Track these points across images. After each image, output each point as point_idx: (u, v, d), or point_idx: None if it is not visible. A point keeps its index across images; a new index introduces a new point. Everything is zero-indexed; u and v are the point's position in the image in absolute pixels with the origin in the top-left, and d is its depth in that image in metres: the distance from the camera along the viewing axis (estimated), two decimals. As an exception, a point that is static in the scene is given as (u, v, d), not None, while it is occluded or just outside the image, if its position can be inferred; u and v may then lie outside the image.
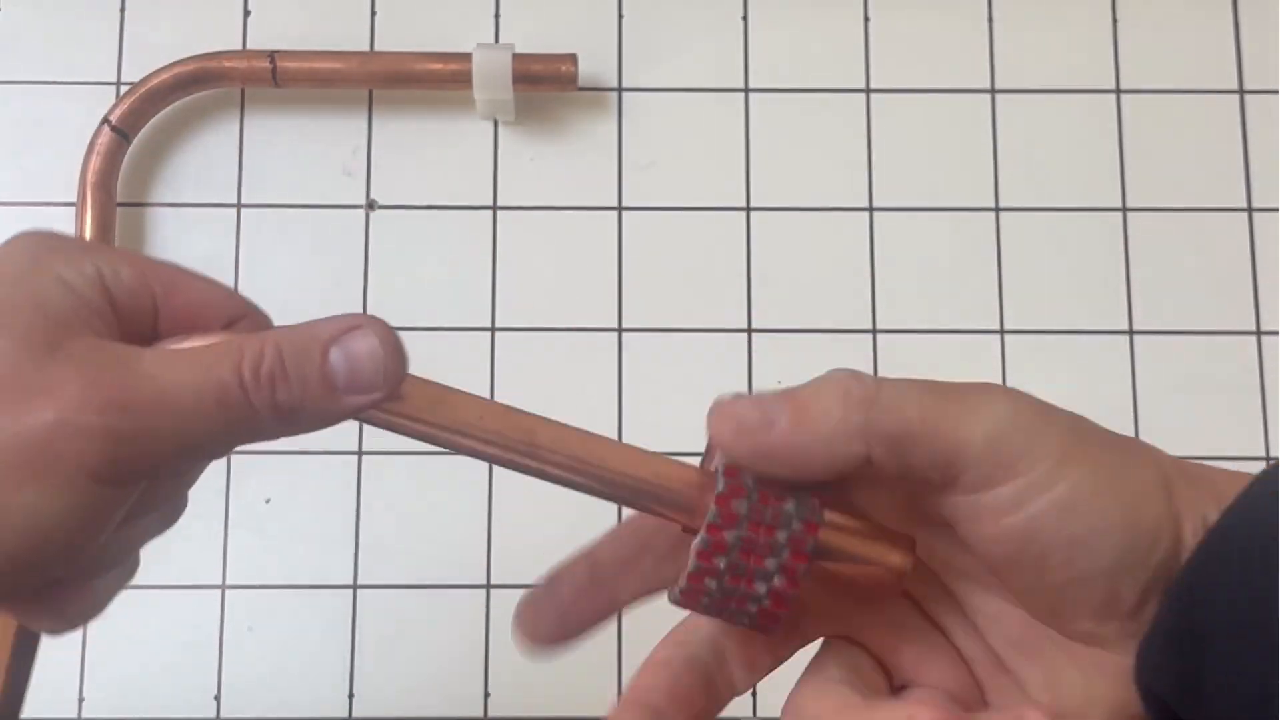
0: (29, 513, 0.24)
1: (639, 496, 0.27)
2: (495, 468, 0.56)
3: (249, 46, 0.60)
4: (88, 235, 0.55)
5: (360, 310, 0.58)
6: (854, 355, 0.57)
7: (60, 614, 0.27)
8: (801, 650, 0.28)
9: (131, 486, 0.25)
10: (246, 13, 0.60)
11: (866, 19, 0.60)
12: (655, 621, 0.59)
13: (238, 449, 0.60)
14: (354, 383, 0.27)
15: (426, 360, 0.64)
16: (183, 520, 0.60)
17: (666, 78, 0.60)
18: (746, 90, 0.60)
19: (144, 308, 0.27)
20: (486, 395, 0.57)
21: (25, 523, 0.25)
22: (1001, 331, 0.58)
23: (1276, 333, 0.58)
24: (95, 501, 0.25)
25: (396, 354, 0.27)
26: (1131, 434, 0.58)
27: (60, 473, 0.24)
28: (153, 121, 0.58)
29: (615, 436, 0.56)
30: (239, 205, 0.59)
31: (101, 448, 0.24)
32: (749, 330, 0.58)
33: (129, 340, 0.26)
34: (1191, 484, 0.26)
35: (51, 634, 0.28)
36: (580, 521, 0.59)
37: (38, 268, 0.25)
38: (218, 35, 0.59)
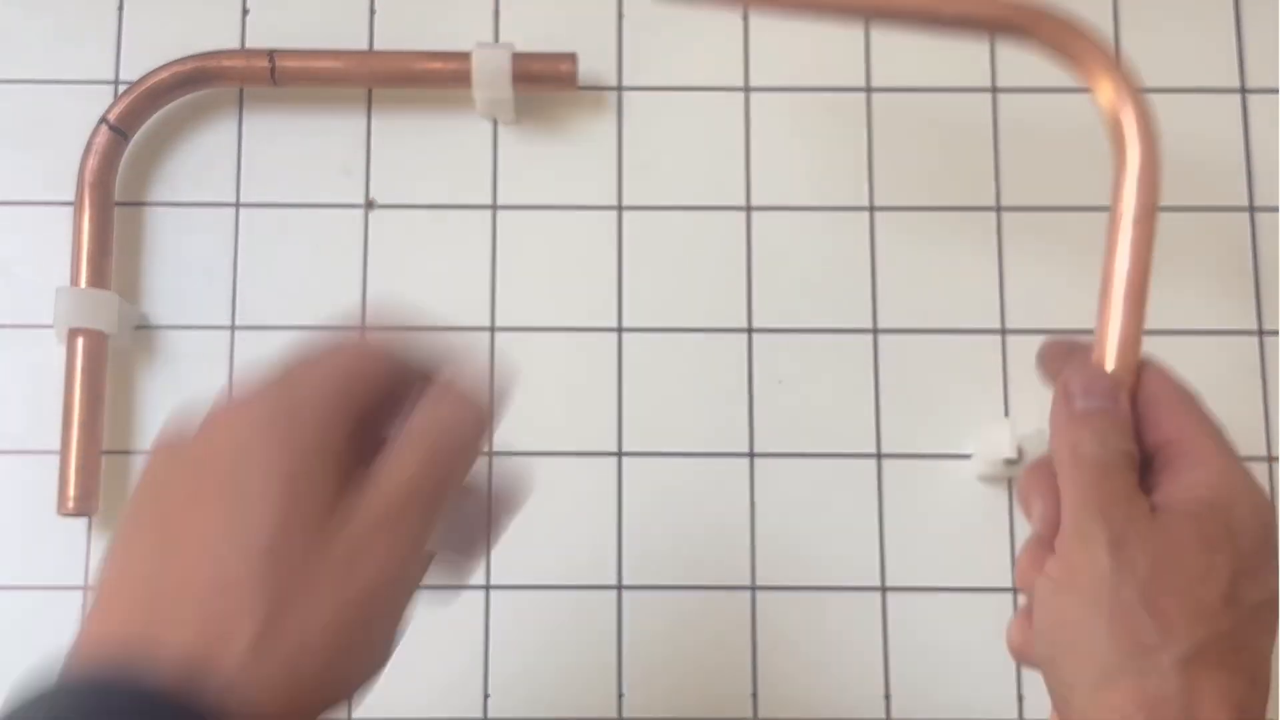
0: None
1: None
2: (495, 468, 0.56)
3: (248, 45, 0.60)
4: (85, 234, 0.55)
5: (359, 308, 0.57)
6: (854, 355, 0.57)
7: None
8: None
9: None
10: (245, 11, 0.60)
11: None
12: (655, 621, 0.59)
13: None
14: None
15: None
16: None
17: (666, 77, 0.60)
18: (746, 90, 0.60)
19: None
20: (486, 394, 0.57)
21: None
22: (1003, 331, 0.57)
23: (1277, 333, 0.58)
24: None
25: None
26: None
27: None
28: (151, 120, 0.58)
29: (615, 436, 0.56)
30: (237, 204, 0.58)
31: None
32: (749, 330, 0.58)
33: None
34: None
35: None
36: (579, 522, 0.59)
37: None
38: (216, 34, 0.59)
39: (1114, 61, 0.46)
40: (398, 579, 0.31)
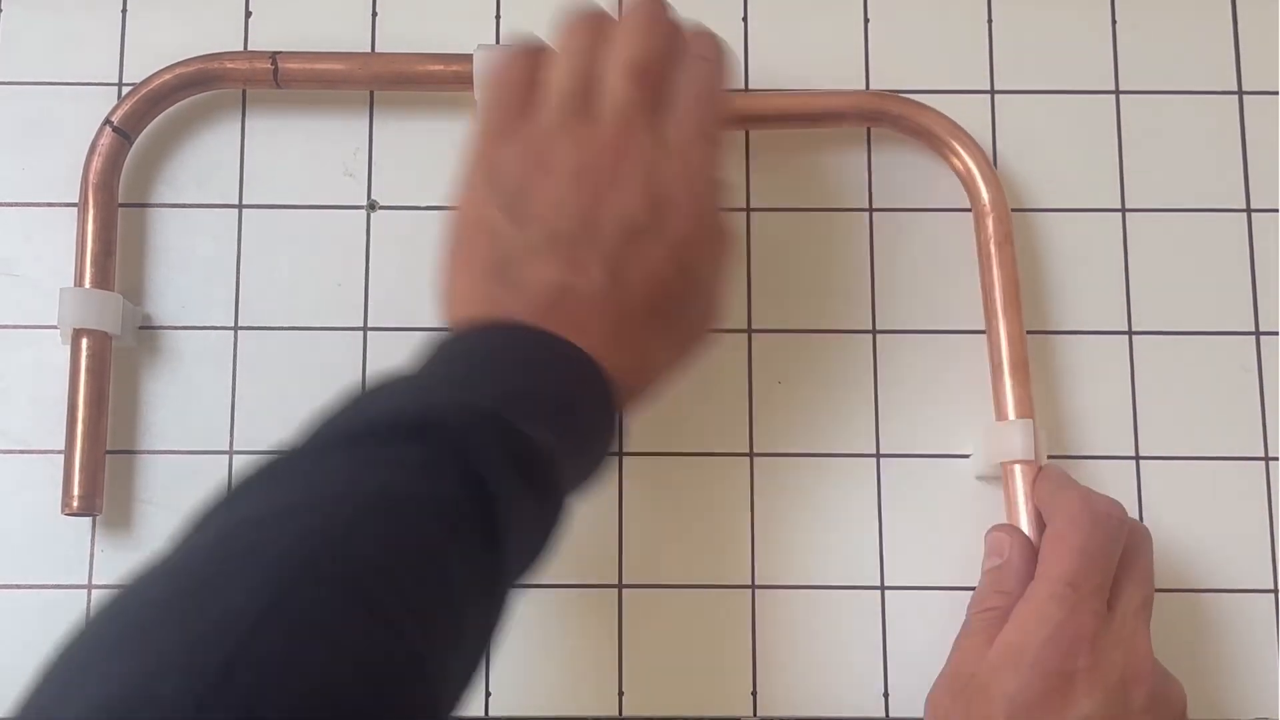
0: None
1: None
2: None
3: (251, 48, 0.60)
4: (89, 235, 0.55)
5: (361, 311, 0.58)
6: (854, 355, 0.58)
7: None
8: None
9: None
10: (248, 14, 0.60)
11: (866, 19, 0.61)
12: (654, 620, 0.59)
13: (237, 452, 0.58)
14: None
15: (427, 360, 0.63)
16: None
17: (667, 79, 0.60)
18: (747, 91, 0.60)
19: None
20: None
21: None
22: (1001, 332, 0.57)
23: (1276, 333, 0.58)
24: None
25: None
26: (1130, 434, 0.58)
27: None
28: (154, 122, 0.58)
29: (615, 437, 0.56)
30: (240, 206, 0.59)
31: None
32: (749, 330, 0.58)
33: None
34: None
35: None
36: (579, 521, 0.59)
37: None
38: (219, 36, 0.60)
39: (957, 128, 0.56)
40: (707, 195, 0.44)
